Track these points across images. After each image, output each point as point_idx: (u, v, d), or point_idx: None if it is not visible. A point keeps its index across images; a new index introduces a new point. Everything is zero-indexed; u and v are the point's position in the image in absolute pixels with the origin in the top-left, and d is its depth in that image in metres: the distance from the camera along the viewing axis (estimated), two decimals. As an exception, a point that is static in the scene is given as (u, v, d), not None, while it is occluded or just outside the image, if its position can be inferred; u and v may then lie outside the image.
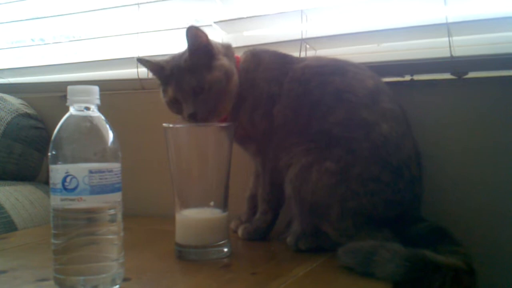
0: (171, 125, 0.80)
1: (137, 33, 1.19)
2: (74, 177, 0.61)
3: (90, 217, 0.62)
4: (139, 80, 1.16)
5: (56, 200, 0.62)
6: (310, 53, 1.03)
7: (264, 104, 0.88)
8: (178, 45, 1.10)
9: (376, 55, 0.98)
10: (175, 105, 0.88)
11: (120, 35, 1.24)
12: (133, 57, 1.16)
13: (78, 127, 0.63)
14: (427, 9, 0.97)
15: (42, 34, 1.44)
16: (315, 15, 1.03)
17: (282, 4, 1.08)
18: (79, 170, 0.61)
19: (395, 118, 0.81)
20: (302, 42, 1.02)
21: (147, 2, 1.17)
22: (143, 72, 1.15)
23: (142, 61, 0.92)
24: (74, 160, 0.62)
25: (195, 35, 0.85)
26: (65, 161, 0.62)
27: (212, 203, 0.79)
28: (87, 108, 0.64)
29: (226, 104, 0.88)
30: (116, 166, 0.64)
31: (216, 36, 1.10)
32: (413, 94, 0.93)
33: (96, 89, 0.64)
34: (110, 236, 0.63)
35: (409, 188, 0.79)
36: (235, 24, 1.11)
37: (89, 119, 0.64)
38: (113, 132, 0.64)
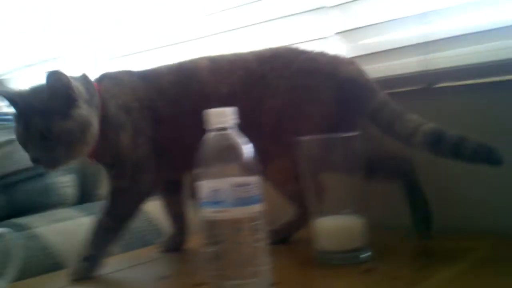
0: (303, 138, 0.82)
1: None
2: (220, 191, 0.67)
3: (236, 227, 0.67)
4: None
5: (206, 213, 0.68)
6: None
7: None
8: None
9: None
10: (23, 144, 0.84)
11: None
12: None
13: (218, 145, 0.69)
14: None
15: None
16: (437, 17, 1.00)
17: (402, 9, 1.04)
18: (224, 184, 0.67)
19: None
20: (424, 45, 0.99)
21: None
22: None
23: None
24: (218, 175, 0.68)
25: (55, 79, 0.82)
26: (211, 177, 0.68)
27: (349, 210, 0.81)
28: (225, 128, 0.69)
29: (81, 153, 0.86)
30: (255, 179, 0.69)
31: (336, 47, 1.11)
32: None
33: (230, 110, 0.70)
34: (256, 244, 0.68)
35: None
36: (356, 33, 1.10)
37: (226, 137, 0.69)
38: (251, 148, 0.69)
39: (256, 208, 0.68)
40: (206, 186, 0.68)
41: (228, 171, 0.67)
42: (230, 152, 0.69)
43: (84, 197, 1.30)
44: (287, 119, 0.91)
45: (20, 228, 1.03)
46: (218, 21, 1.30)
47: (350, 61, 0.95)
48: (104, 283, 0.88)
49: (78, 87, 0.85)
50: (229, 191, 0.66)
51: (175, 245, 1.03)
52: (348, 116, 0.91)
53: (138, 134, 0.91)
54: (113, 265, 0.93)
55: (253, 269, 0.67)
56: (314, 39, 1.14)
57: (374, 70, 1.03)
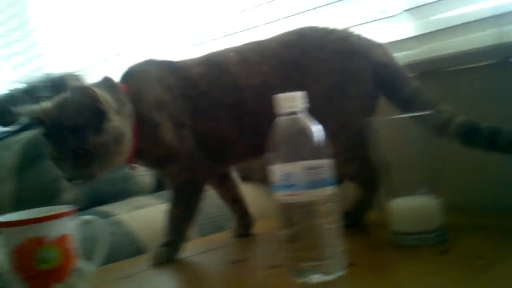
0: (374, 118, 0.82)
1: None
2: (292, 174, 0.68)
3: (309, 209, 0.68)
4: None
5: (279, 196, 0.70)
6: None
7: None
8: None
9: None
10: (55, 163, 0.83)
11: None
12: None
13: (289, 130, 0.70)
14: None
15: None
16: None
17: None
18: (296, 168, 0.67)
19: None
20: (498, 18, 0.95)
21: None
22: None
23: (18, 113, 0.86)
24: (290, 159, 0.68)
25: (82, 94, 0.80)
26: (283, 161, 0.69)
27: (423, 190, 0.79)
28: (294, 112, 0.70)
29: (117, 163, 0.86)
30: (327, 162, 0.69)
31: (404, 25, 1.08)
32: None
33: (299, 95, 0.70)
34: (330, 226, 0.68)
35: None
36: (426, 9, 1.07)
37: (297, 121, 0.70)
38: (321, 131, 0.69)
39: (329, 190, 0.68)
40: (278, 170, 0.69)
41: (300, 154, 0.68)
42: (301, 135, 0.69)
43: (159, 185, 1.35)
44: (334, 102, 0.90)
45: (104, 215, 1.08)
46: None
47: (379, 45, 0.94)
48: (182, 267, 0.91)
49: (105, 97, 0.83)
50: (302, 174, 0.67)
51: (244, 230, 1.05)
52: (377, 101, 0.91)
53: (179, 126, 0.91)
54: (189, 250, 0.96)
55: (327, 251, 0.68)
56: (382, 18, 1.12)
57: (446, 46, 1.00)
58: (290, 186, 0.68)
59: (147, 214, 1.11)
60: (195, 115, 0.92)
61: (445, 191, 0.80)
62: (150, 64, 0.95)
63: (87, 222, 0.78)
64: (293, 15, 1.28)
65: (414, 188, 0.80)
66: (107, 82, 0.89)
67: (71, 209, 0.73)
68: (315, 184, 0.67)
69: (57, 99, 0.84)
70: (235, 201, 1.05)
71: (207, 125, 0.93)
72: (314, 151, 0.68)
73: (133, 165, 0.93)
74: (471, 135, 0.82)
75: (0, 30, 2.30)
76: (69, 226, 0.72)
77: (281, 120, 0.70)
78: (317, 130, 0.69)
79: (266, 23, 1.35)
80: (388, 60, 0.92)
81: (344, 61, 0.90)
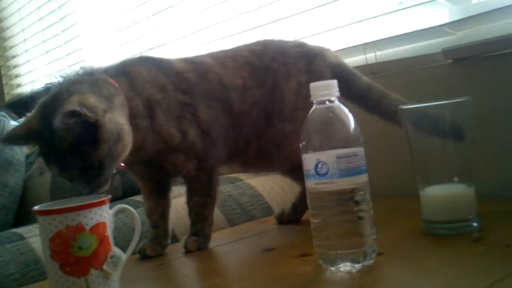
0: (407, 106, 0.82)
1: (362, 20, 1.23)
2: (324, 163, 0.68)
3: (341, 197, 0.68)
4: (368, 66, 1.20)
5: (311, 185, 0.70)
6: None
7: None
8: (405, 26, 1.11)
9: None
10: (67, 179, 0.82)
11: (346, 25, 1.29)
12: (359, 45, 1.21)
13: (322, 118, 0.70)
14: None
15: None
16: None
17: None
18: (328, 156, 0.68)
19: None
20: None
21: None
22: (371, 57, 1.18)
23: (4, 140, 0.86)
24: (323, 148, 0.69)
25: (63, 122, 0.75)
26: (315, 150, 0.69)
27: (456, 179, 0.79)
28: (329, 101, 0.70)
29: (124, 156, 0.84)
30: (360, 150, 0.69)
31: (441, 12, 1.07)
32: None
33: (334, 82, 0.71)
34: (361, 214, 0.68)
35: None
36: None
37: (331, 110, 0.70)
38: (354, 119, 0.70)
39: (362, 178, 0.69)
40: (312, 158, 0.69)
41: (334, 142, 0.68)
42: (335, 123, 0.70)
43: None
44: (303, 98, 0.95)
45: (136, 205, 1.10)
46: None
47: (329, 49, 1.04)
48: (213, 255, 0.93)
49: (90, 102, 0.79)
50: (335, 162, 0.67)
51: (160, 249, 0.96)
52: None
53: (179, 119, 0.91)
54: (221, 238, 0.98)
55: (358, 239, 0.68)
56: (423, 2, 1.12)
57: (488, 30, 0.99)
58: (322, 175, 0.68)
59: (177, 204, 1.13)
60: (193, 105, 0.93)
61: (478, 180, 0.79)
62: (141, 63, 0.95)
63: (121, 211, 0.79)
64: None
65: (447, 177, 0.79)
66: (89, 77, 0.86)
67: (107, 198, 0.75)
68: (348, 173, 0.68)
69: (45, 119, 0.79)
70: (163, 218, 0.98)
71: (206, 112, 0.94)
72: (347, 139, 0.69)
73: (121, 164, 0.88)
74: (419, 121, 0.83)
75: (40, 25, 2.35)
76: (105, 214, 0.74)
77: (315, 108, 0.71)
78: (350, 118, 0.70)
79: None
80: (339, 61, 1.03)
81: (307, 63, 1.00)
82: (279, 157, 1.00)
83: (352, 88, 0.99)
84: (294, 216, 1.05)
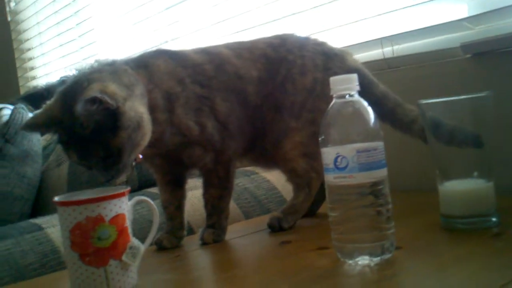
0: (426, 101, 0.81)
1: (379, 14, 1.23)
2: (344, 157, 0.68)
3: (360, 191, 0.68)
4: (385, 60, 1.19)
5: (330, 178, 0.70)
6: None
7: None
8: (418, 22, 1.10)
9: None
10: (86, 168, 0.82)
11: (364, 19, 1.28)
12: (376, 39, 1.21)
13: (342, 112, 0.70)
14: None
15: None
16: None
17: None
18: (348, 150, 0.68)
19: None
20: None
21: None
22: (388, 51, 1.18)
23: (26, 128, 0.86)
24: (342, 142, 0.69)
25: (85, 109, 0.74)
26: (335, 144, 0.69)
27: (475, 174, 0.78)
28: (349, 95, 0.70)
29: (144, 146, 0.83)
30: (379, 144, 0.69)
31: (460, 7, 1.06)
32: None
33: (355, 76, 0.71)
34: (380, 208, 0.69)
35: None
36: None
37: (351, 104, 0.70)
38: (374, 114, 0.70)
39: (381, 172, 0.69)
40: (331, 152, 0.69)
41: (353, 136, 0.68)
42: (354, 118, 0.70)
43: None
44: (315, 98, 0.96)
45: (153, 197, 1.11)
46: None
47: (350, 52, 1.03)
48: (230, 247, 0.94)
49: (112, 90, 0.79)
50: (354, 156, 0.67)
51: (175, 241, 0.97)
52: None
53: (197, 112, 0.92)
54: (237, 231, 0.98)
55: (376, 233, 0.68)
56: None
57: (507, 25, 0.98)
58: (342, 169, 0.68)
59: (194, 196, 1.13)
60: (210, 98, 0.94)
61: (497, 175, 0.79)
62: (158, 56, 0.94)
63: (139, 202, 0.80)
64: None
65: (466, 171, 0.79)
66: (109, 67, 0.86)
67: (126, 190, 0.76)
68: (367, 167, 0.68)
69: (65, 107, 0.80)
70: (179, 210, 0.99)
71: (224, 105, 0.94)
72: (367, 133, 0.69)
73: (139, 156, 0.87)
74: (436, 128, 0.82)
75: (55, 18, 2.37)
76: (124, 206, 0.75)
77: (335, 102, 0.71)
78: (370, 112, 0.70)
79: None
80: (358, 65, 1.01)
81: (326, 60, 0.98)
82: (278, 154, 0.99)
83: (368, 94, 0.93)
84: (310, 209, 1.06)
